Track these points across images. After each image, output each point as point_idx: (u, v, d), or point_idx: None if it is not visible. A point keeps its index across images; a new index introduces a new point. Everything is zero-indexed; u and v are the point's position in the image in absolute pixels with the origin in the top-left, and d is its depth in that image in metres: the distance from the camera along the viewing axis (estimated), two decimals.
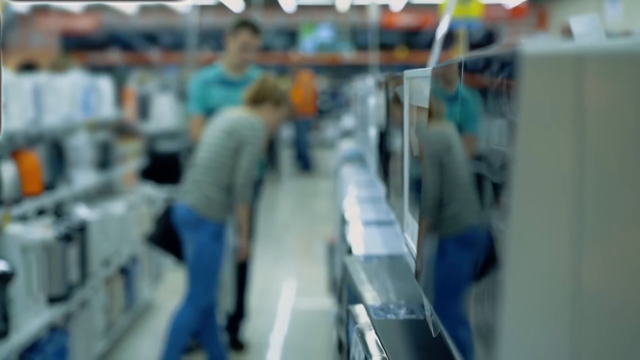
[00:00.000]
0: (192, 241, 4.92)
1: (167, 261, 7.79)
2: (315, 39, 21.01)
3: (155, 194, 7.49)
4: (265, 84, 5.17)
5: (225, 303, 5.82)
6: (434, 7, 15.72)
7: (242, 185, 4.92)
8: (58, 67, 7.68)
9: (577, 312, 0.96)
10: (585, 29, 1.99)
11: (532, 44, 0.94)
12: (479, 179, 1.14)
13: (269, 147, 7.26)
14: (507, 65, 0.99)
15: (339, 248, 4.25)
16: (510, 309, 0.96)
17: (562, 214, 0.95)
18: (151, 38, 20.90)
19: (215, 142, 4.92)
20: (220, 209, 4.89)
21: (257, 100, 5.09)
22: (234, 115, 5.02)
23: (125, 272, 6.30)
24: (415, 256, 1.75)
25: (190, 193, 4.94)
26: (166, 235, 5.06)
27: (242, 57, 5.84)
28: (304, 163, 16.60)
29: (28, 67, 8.67)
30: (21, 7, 19.19)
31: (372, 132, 3.78)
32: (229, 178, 4.89)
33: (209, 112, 5.77)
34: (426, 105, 1.67)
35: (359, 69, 17.48)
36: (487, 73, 1.10)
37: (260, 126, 4.96)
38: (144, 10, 20.48)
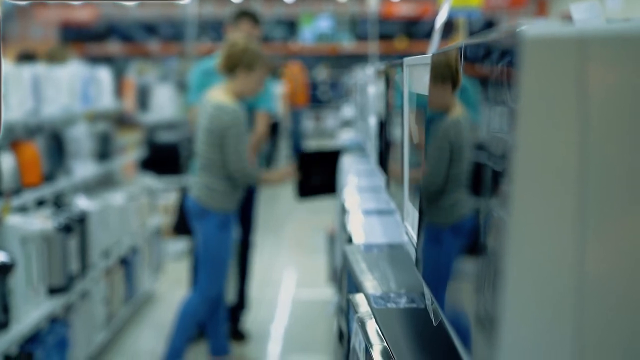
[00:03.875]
0: (200, 232, 4.96)
1: (168, 252, 7.80)
2: (315, 29, 20.96)
3: (155, 184, 7.48)
4: (233, 49, 4.93)
5: (227, 293, 5.81)
6: None
7: (239, 173, 4.84)
8: (54, 58, 7.66)
9: (580, 300, 0.95)
10: (586, 16, 1.98)
11: (533, 28, 0.93)
12: (480, 167, 1.13)
13: (271, 138, 7.23)
14: (508, 49, 0.97)
15: (339, 237, 4.24)
16: (512, 298, 0.95)
17: (565, 202, 0.94)
18: (150, 29, 20.86)
19: (203, 140, 4.88)
20: (223, 199, 4.89)
21: (230, 67, 4.90)
22: (211, 104, 4.87)
23: (125, 263, 6.30)
24: (415, 245, 1.74)
25: (195, 185, 4.97)
26: (186, 224, 5.22)
27: None
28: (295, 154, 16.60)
29: (27, 57, 8.65)
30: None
31: (372, 122, 3.77)
32: (226, 169, 4.87)
33: None
34: (426, 93, 1.66)
35: (359, 59, 17.46)
36: (488, 58, 1.09)
37: (235, 112, 4.80)
38: (143, 1, 20.44)
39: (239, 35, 5.28)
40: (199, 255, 5.02)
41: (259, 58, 4.97)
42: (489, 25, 19.30)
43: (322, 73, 20.50)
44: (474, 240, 1.14)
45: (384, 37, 18.73)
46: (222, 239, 4.93)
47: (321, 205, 8.03)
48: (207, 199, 4.88)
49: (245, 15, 5.85)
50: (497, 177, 1.01)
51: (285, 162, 16.23)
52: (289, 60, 17.44)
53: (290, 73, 16.72)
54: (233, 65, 4.90)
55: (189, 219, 5.05)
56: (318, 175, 5.50)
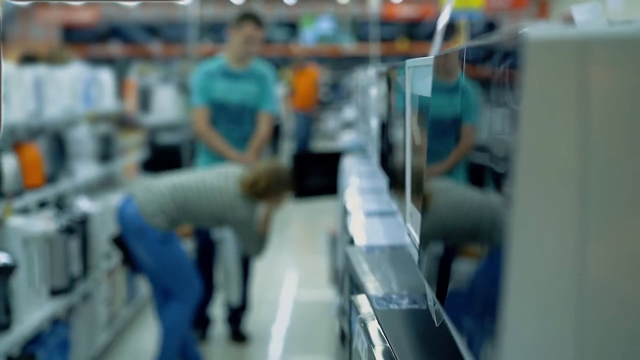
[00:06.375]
0: (143, 250, 4.81)
1: None
2: (316, 30, 20.97)
3: None
4: (258, 186, 4.93)
5: (230, 295, 5.81)
6: None
7: (254, 253, 5.18)
8: (54, 59, 7.67)
9: (581, 302, 0.95)
10: (587, 17, 1.99)
11: (536, 30, 0.93)
12: (482, 169, 1.13)
13: (272, 139, 7.24)
14: (511, 52, 0.98)
15: (340, 239, 4.24)
16: (514, 299, 0.95)
17: (567, 204, 0.94)
18: (152, 30, 20.87)
19: (207, 191, 4.83)
20: (167, 221, 4.77)
21: (257, 197, 4.95)
22: (237, 198, 4.87)
23: None
24: (417, 246, 1.74)
25: (147, 196, 4.80)
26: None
27: (246, 50, 5.83)
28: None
29: (29, 59, 8.66)
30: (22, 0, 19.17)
31: (374, 123, 3.77)
32: (192, 214, 4.84)
33: (213, 104, 5.77)
34: (428, 95, 1.67)
35: (360, 60, 17.46)
36: (490, 60, 1.09)
37: (253, 214, 4.93)
38: (144, 2, 20.44)
39: (259, 173, 5.05)
40: (155, 273, 4.89)
41: (283, 184, 5.08)
42: (490, 26, 19.31)
43: (323, 74, 20.49)
44: (476, 242, 1.14)
45: (385, 38, 18.75)
46: (170, 248, 4.81)
47: (322, 207, 8.06)
48: (153, 217, 4.74)
49: (249, 17, 5.84)
50: (500, 178, 1.02)
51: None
52: (309, 62, 17.16)
53: (307, 74, 16.43)
54: (260, 197, 4.98)
55: (123, 228, 4.84)
56: (315, 176, 5.49)
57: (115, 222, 4.95)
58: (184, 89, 9.83)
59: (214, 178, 4.92)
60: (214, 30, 19.63)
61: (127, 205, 4.82)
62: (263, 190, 4.95)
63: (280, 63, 17.64)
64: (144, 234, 4.74)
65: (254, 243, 5.03)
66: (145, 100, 9.25)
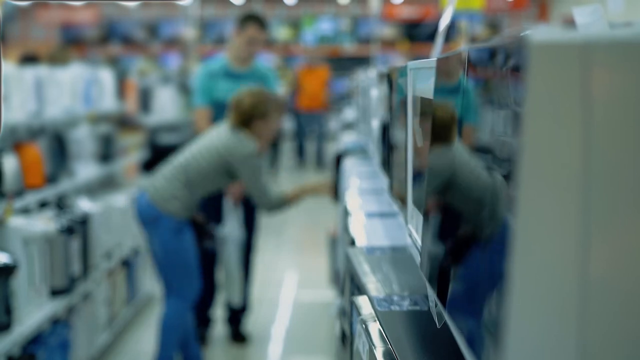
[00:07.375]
0: (155, 239, 4.85)
1: None
2: (316, 31, 20.95)
3: None
4: (241, 107, 4.94)
5: (232, 295, 5.81)
6: (434, 0, 15.67)
7: (266, 207, 5.04)
8: (56, 59, 7.68)
9: (584, 302, 0.95)
10: (588, 19, 1.99)
11: (538, 33, 0.94)
12: (485, 171, 1.13)
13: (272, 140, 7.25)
14: (514, 54, 0.98)
15: (341, 240, 4.25)
16: (517, 301, 0.96)
17: (569, 205, 0.94)
18: (152, 30, 20.85)
19: (202, 152, 4.84)
20: (181, 207, 4.79)
21: (244, 122, 4.93)
22: (231, 136, 4.88)
23: (127, 264, 6.31)
24: (419, 248, 1.74)
25: (157, 190, 4.83)
26: None
27: (248, 51, 5.83)
28: (302, 155, 16.37)
29: (29, 59, 8.66)
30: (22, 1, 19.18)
31: (375, 124, 3.77)
32: (198, 184, 4.84)
33: (215, 104, 5.77)
34: (430, 96, 1.67)
35: (360, 61, 17.44)
36: (492, 63, 1.10)
37: (252, 149, 4.86)
38: (144, 2, 20.45)
39: (243, 93, 5.08)
40: (161, 264, 4.90)
41: (269, 103, 5.02)
42: (491, 28, 19.29)
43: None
44: (479, 243, 1.15)
45: (385, 39, 18.75)
46: (181, 241, 4.82)
47: (323, 207, 8.07)
48: (165, 203, 4.76)
49: (252, 19, 5.84)
50: (503, 180, 1.02)
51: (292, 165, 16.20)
52: (319, 61, 16.98)
53: (315, 76, 16.17)
54: (248, 120, 4.93)
55: (139, 221, 4.91)
56: None
57: (134, 217, 4.98)
58: (184, 89, 9.84)
59: (205, 138, 4.96)
60: (214, 30, 19.62)
61: (141, 199, 4.87)
62: (249, 110, 4.90)
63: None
64: (159, 222, 4.78)
65: (263, 193, 4.94)
66: (145, 100, 9.26)
